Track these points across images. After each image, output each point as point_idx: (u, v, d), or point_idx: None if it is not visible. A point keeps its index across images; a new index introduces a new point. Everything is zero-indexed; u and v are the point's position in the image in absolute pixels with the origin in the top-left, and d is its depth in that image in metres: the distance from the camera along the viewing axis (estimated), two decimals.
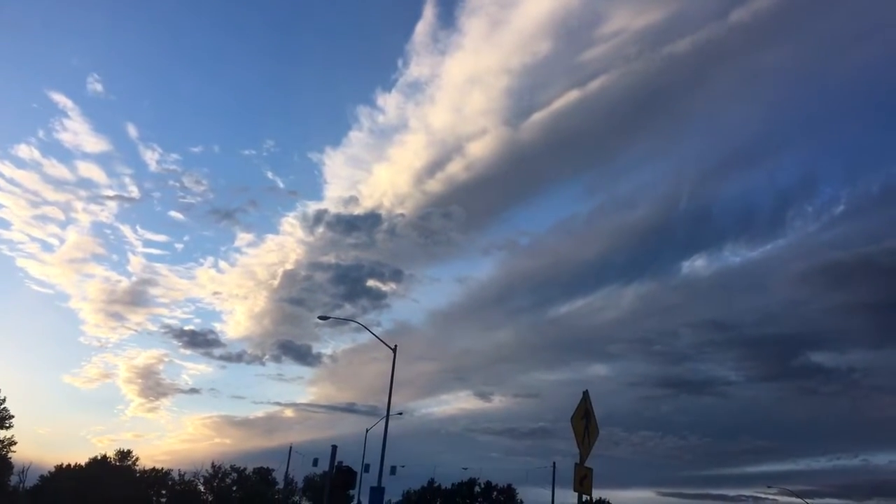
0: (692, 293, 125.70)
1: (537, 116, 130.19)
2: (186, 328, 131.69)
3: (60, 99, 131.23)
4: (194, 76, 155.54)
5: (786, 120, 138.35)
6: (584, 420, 12.51)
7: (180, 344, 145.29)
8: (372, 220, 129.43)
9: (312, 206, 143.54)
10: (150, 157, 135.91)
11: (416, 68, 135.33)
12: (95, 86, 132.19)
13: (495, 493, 79.31)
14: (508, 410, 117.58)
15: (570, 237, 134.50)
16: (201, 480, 76.98)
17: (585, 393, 12.77)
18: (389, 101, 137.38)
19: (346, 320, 57.68)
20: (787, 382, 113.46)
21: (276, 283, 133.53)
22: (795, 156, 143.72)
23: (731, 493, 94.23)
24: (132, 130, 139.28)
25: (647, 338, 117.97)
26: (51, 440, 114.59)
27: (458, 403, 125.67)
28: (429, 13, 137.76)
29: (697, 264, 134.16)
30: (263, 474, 79.22)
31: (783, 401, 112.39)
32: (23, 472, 68.93)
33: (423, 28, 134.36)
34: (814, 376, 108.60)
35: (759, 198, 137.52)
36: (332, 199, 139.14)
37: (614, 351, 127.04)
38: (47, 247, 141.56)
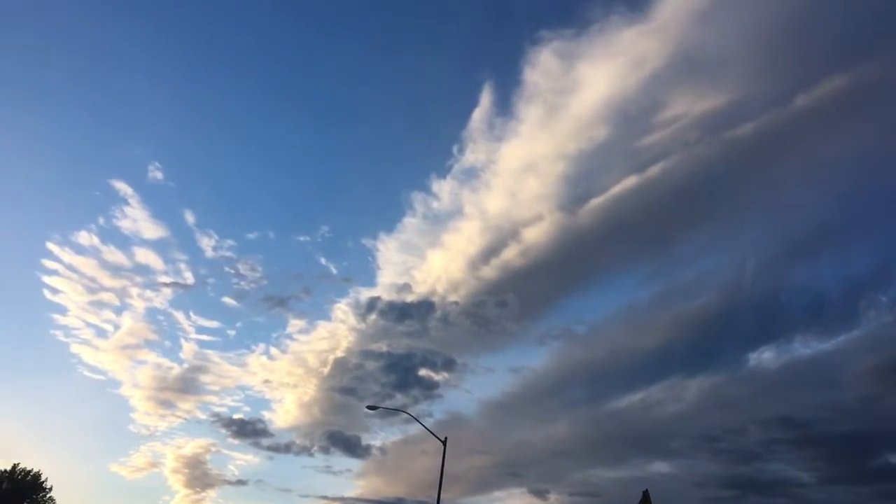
0: (760, 387, 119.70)
1: (594, 202, 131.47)
2: (235, 417, 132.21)
3: (122, 187, 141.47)
4: (252, 164, 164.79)
5: (855, 207, 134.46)
6: None
7: (228, 433, 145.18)
8: (425, 307, 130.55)
9: (365, 293, 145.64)
10: (206, 243, 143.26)
11: (472, 155, 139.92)
12: (156, 174, 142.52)
13: None
14: None
15: (629, 326, 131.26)
16: None
17: (646, 492, 12.12)
18: (444, 188, 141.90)
19: (395, 410, 56.74)
20: (864, 485, 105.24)
21: (326, 371, 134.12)
22: (867, 244, 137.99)
23: None
24: (189, 217, 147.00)
25: (712, 434, 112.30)
26: None
27: (511, 501, 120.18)
28: (486, 101, 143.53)
29: (765, 356, 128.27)
30: None
31: None
32: None
33: (479, 115, 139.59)
34: (893, 478, 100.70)
35: (830, 287, 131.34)
36: (385, 285, 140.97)
37: (677, 447, 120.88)
38: (101, 332, 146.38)
